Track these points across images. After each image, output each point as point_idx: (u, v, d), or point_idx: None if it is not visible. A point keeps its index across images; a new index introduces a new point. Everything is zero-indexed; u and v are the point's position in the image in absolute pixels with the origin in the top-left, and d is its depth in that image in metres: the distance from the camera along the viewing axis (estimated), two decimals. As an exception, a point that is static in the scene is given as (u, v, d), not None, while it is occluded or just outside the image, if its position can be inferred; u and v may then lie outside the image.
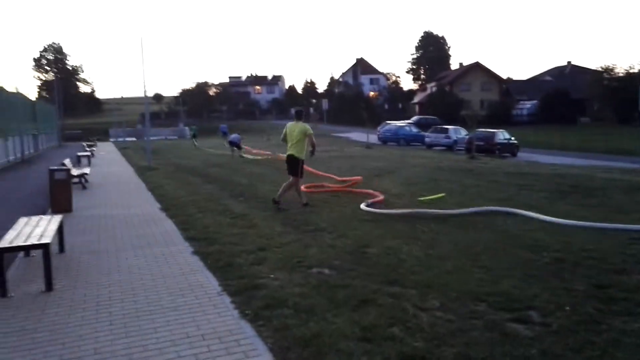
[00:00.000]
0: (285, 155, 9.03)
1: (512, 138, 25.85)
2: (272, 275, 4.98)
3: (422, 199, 9.39)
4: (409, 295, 4.39)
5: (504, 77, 68.19)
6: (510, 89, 63.38)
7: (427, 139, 29.42)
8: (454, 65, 79.48)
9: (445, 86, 60.83)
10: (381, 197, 9.28)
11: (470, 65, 65.21)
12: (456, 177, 12.60)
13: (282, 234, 6.76)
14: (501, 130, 26.30)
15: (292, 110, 9.95)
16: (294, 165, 8.76)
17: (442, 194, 9.83)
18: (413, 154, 22.11)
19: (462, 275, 4.91)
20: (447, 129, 29.15)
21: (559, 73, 66.32)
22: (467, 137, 25.73)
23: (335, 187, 11.15)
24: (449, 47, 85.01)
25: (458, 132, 28.73)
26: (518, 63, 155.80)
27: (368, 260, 5.50)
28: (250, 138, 35.46)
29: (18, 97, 24.51)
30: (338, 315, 3.94)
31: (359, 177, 11.90)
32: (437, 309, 4.09)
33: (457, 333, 3.63)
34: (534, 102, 54.66)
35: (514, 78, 76.29)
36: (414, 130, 33.11)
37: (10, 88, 23.59)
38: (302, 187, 9.42)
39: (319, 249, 5.93)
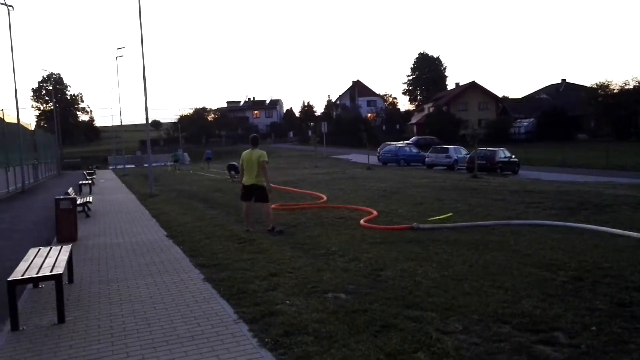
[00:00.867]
0: (245, 185, 9.00)
1: (513, 156, 25.95)
2: (287, 301, 4.89)
3: (430, 219, 9.34)
4: (430, 318, 4.30)
5: (500, 95, 68.82)
6: (507, 107, 63.92)
7: (427, 159, 29.49)
8: (450, 85, 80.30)
9: (443, 106, 61.33)
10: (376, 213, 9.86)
11: (466, 85, 65.87)
12: (461, 197, 12.56)
13: (293, 259, 6.67)
14: (502, 148, 26.41)
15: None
16: (262, 191, 8.90)
17: (450, 214, 9.79)
18: (415, 174, 22.11)
19: (481, 296, 4.83)
20: (447, 148, 29.26)
21: (554, 91, 67.06)
22: (468, 156, 25.80)
23: (302, 205, 12.12)
24: (445, 68, 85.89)
25: (458, 152, 28.83)
26: (513, 82, 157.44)
27: (384, 283, 5.42)
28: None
29: (18, 127, 24.57)
30: (360, 342, 3.85)
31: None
32: (461, 332, 4.00)
33: (485, 357, 3.54)
34: (531, 120, 55.08)
35: (510, 97, 77.01)
36: (414, 150, 33.23)
37: (10, 119, 23.69)
38: (273, 206, 10.17)
39: (333, 273, 5.84)
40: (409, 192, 13.83)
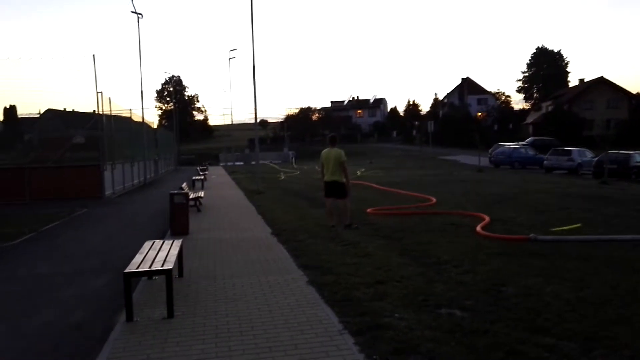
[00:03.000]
0: (326, 181, 9.34)
1: (653, 160, 22.78)
2: (396, 314, 4.49)
3: (555, 229, 8.34)
4: (568, 349, 3.65)
5: (634, 92, 61.23)
6: (644, 105, 56.86)
7: (546, 162, 27.03)
8: (573, 82, 73.51)
9: (564, 105, 56.25)
10: (487, 218, 9.30)
11: (593, 80, 59.51)
12: (591, 205, 11.17)
13: (401, 266, 6.24)
14: (638, 152, 23.31)
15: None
16: (341, 188, 9.17)
17: (579, 224, 8.68)
18: (532, 179, 20.38)
19: (634, 326, 4.05)
20: (570, 150, 26.54)
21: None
22: (595, 159, 23.18)
23: (405, 210, 11.34)
24: (567, 63, 78.76)
25: (583, 154, 26.04)
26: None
27: (506, 301, 4.79)
28: (353, 161, 35.38)
29: (144, 126, 26.87)
30: (483, 371, 3.33)
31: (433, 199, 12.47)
32: (611, 371, 3.31)
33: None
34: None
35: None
36: (530, 152, 30.72)
37: (137, 118, 25.97)
38: (369, 210, 10.85)
39: (446, 285, 5.32)
40: (529, 198, 12.63)
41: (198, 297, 5.24)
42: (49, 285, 6.26)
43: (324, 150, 9.39)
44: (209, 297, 5.26)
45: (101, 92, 17.94)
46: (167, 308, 4.58)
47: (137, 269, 4.68)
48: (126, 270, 4.59)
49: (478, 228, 8.38)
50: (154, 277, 5.78)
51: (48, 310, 5.24)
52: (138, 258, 5.05)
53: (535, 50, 79.80)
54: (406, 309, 4.64)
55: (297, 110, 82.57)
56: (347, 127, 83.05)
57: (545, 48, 78.91)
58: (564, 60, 78.79)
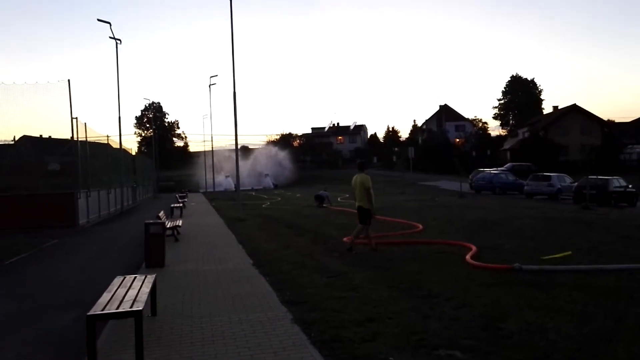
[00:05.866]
0: (357, 207, 9.61)
1: (630, 186, 23.11)
2: (391, 358, 4.10)
3: (545, 257, 8.09)
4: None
5: (605, 118, 62.90)
6: (615, 132, 58.36)
7: (526, 187, 27.23)
8: (547, 109, 75.31)
9: (539, 131, 57.38)
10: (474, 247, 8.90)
11: (566, 108, 61.05)
12: (577, 231, 11.01)
13: (391, 300, 5.87)
14: (616, 177, 23.65)
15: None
16: (362, 214, 9.40)
17: (569, 252, 8.45)
18: (514, 204, 20.33)
19: (648, 369, 3.71)
20: (549, 176, 26.80)
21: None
22: (575, 185, 23.39)
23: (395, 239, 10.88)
24: (540, 91, 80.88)
25: (562, 180, 26.31)
26: (619, 104, 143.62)
27: (508, 339, 4.44)
28: (335, 187, 35.07)
29: (121, 153, 26.24)
30: None
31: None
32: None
33: None
34: (647, 145, 49.59)
35: (617, 120, 70.40)
36: (510, 178, 30.97)
37: (115, 144, 25.35)
38: (345, 239, 10.21)
39: (441, 322, 4.96)
40: (514, 224, 12.43)
41: (172, 340, 4.76)
42: (6, 326, 5.69)
43: (354, 176, 9.52)
44: (185, 339, 4.78)
45: (76, 118, 17.41)
46: (135, 356, 4.10)
47: (102, 310, 4.19)
48: (90, 313, 4.10)
49: (467, 257, 8.07)
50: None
51: (1, 355, 4.69)
52: (105, 297, 4.56)
53: (510, 79, 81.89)
54: (401, 351, 4.25)
55: (278, 137, 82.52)
56: (328, 153, 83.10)
57: (520, 76, 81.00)
58: (537, 88, 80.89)
